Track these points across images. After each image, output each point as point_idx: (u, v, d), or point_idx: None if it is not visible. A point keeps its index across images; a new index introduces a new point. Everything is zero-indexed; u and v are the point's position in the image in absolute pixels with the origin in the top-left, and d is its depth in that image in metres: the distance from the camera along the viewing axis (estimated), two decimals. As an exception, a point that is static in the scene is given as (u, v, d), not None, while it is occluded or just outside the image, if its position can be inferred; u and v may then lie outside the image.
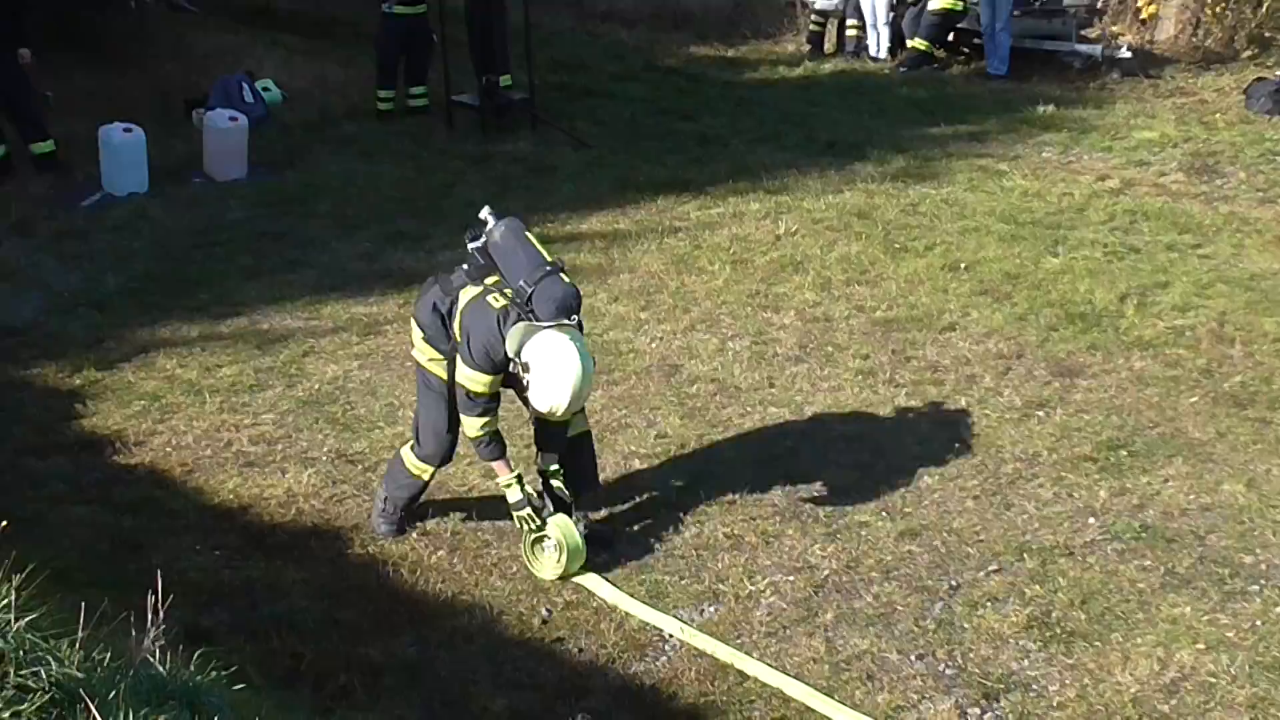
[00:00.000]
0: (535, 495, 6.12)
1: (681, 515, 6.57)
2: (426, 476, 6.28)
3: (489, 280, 5.85)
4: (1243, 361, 8.35)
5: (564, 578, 6.01)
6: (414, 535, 6.39)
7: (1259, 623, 5.75)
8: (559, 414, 5.72)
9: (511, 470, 6.06)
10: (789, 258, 10.08)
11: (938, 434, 7.45)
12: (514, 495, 6.04)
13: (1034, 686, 5.37)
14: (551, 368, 5.52)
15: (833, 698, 5.28)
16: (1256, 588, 6.01)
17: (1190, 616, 5.80)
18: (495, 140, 13.25)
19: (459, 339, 5.83)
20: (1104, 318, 9.02)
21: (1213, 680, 5.37)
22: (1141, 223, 11.04)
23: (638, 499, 6.75)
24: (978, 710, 5.23)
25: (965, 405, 7.79)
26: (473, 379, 5.78)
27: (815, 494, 6.75)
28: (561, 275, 5.74)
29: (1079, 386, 8.04)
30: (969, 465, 7.12)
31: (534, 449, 6.30)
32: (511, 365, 5.70)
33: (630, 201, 11.52)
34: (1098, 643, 5.61)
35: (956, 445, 7.29)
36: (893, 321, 8.95)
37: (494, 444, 5.99)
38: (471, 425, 5.93)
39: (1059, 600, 5.92)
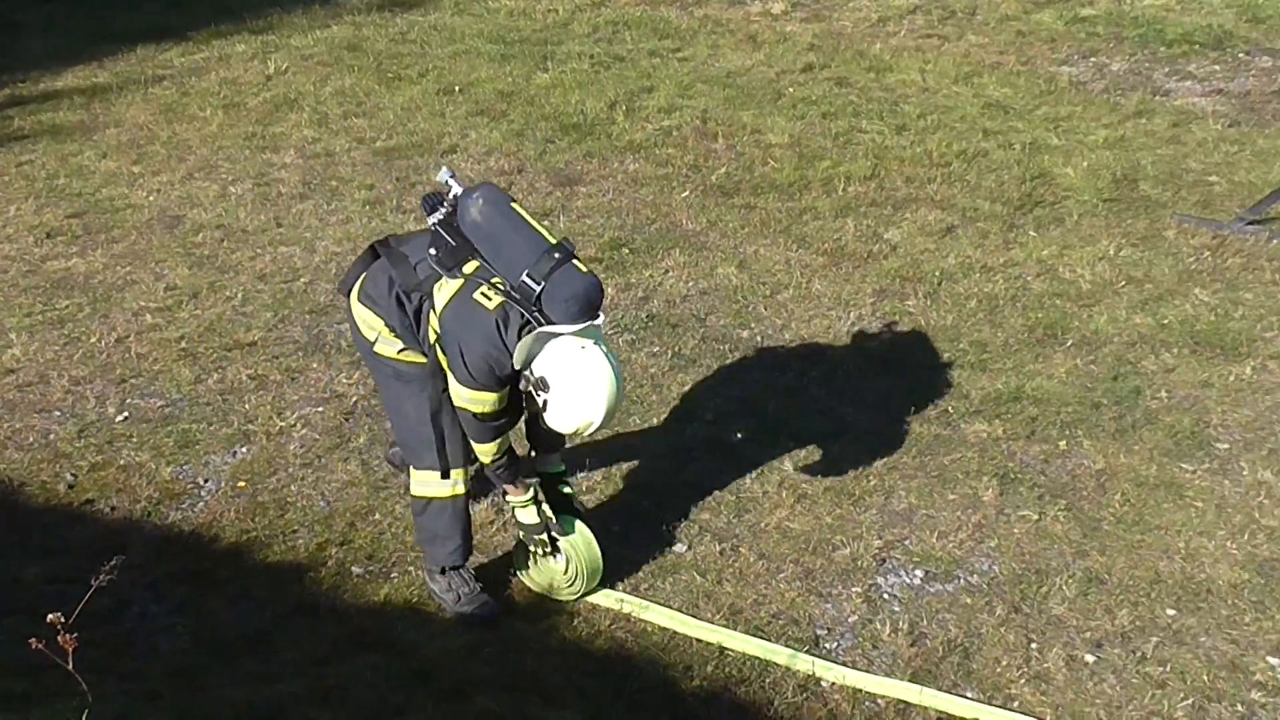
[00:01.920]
0: (551, 515, 4.88)
1: (201, 362, 6.43)
2: (461, 489, 4.78)
3: (467, 268, 4.45)
4: (726, 154, 8.88)
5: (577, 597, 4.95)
6: (-89, 422, 5.98)
7: (760, 385, 6.26)
8: (584, 435, 4.51)
9: (527, 488, 4.81)
10: (282, 97, 9.87)
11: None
12: (530, 518, 4.79)
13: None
14: (578, 386, 4.32)
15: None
16: (756, 356, 6.52)
17: (696, 391, 6.24)
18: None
19: (443, 351, 4.51)
20: (596, 126, 9.35)
21: (729, 445, 5.81)
22: (624, 32, 11.45)
23: (151, 354, 6.54)
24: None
25: (474, 223, 7.93)
26: (477, 400, 4.47)
27: (334, 327, 6.75)
28: (575, 262, 4.43)
29: (579, 193, 8.33)
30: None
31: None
32: (522, 382, 4.51)
33: (107, 53, 10.92)
34: (619, 429, 5.95)
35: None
36: (394, 150, 8.96)
37: (512, 464, 4.74)
38: (486, 451, 4.65)
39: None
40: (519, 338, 4.32)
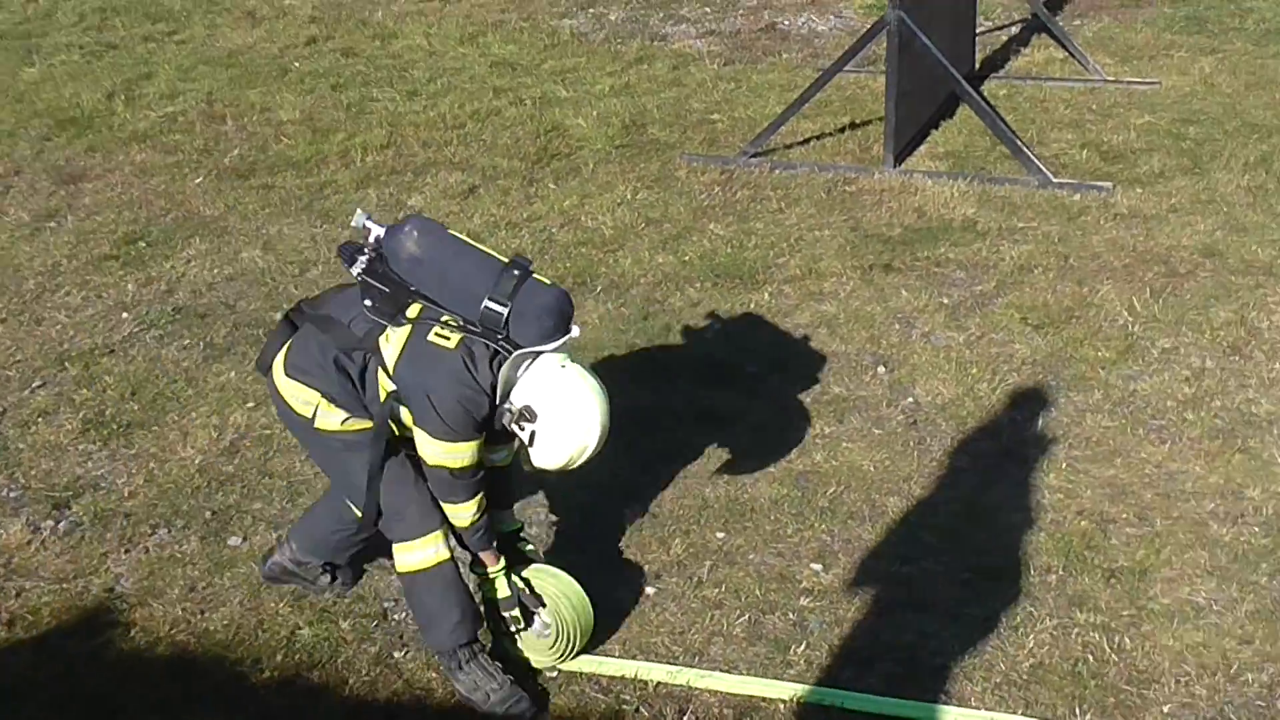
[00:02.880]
0: (524, 585, 4.35)
1: None
2: (445, 554, 4.21)
3: (411, 312, 4.04)
4: (236, 135, 8.62)
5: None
6: None
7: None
8: (576, 465, 4.10)
9: (499, 558, 4.31)
10: None
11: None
12: (504, 591, 4.30)
13: (103, 484, 5.34)
14: (568, 409, 3.97)
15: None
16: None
17: (236, 380, 6.03)
18: None
19: (406, 407, 4.05)
20: (96, 118, 8.88)
21: (268, 433, 5.65)
22: (114, 19, 10.91)
23: None
24: (51, 522, 5.13)
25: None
26: (455, 453, 4.02)
27: None
28: (536, 276, 4.05)
29: (86, 190, 7.90)
30: None
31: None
32: (500, 419, 4.04)
33: None
34: (155, 427, 5.68)
35: None
36: None
37: (488, 529, 4.26)
38: (463, 513, 4.16)
39: (110, 398, 5.90)
40: (492, 371, 3.96)
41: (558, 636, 4.30)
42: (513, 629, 4.31)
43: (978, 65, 9.79)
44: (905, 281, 6.76)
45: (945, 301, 6.55)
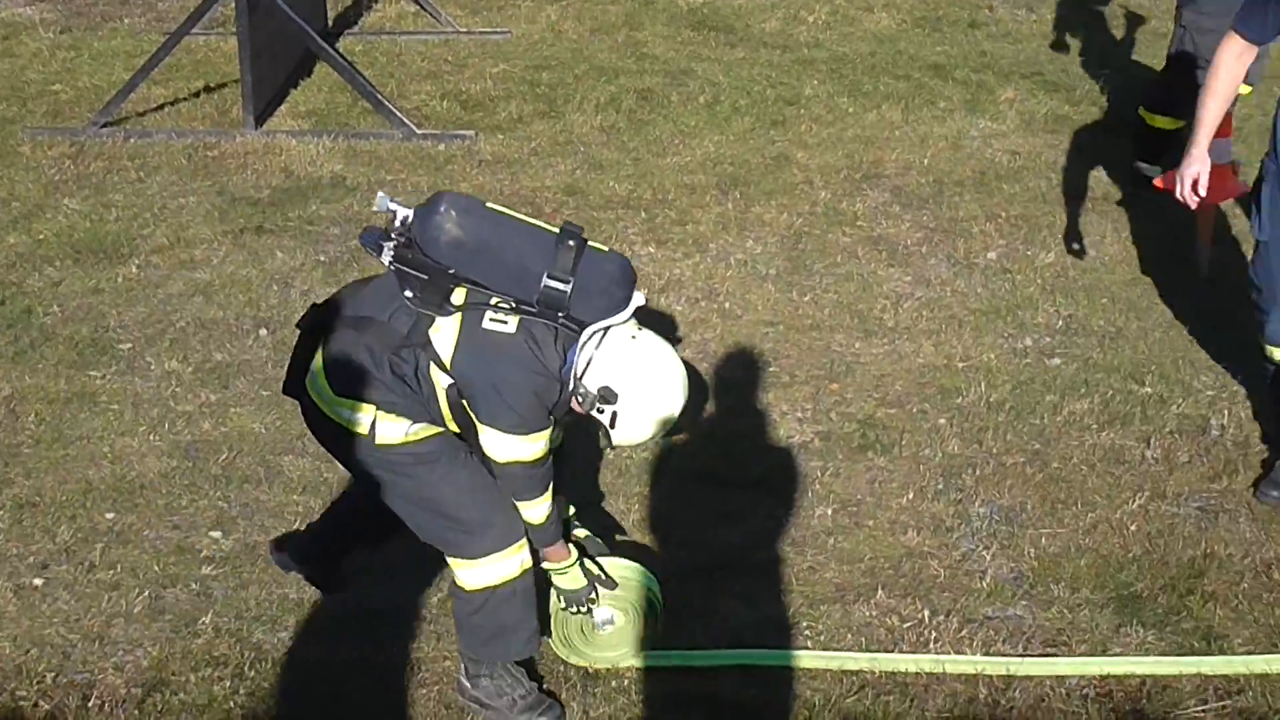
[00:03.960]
0: (599, 571, 4.01)
1: None
2: (529, 562, 3.85)
3: (456, 299, 3.60)
4: None
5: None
6: None
7: None
8: (660, 437, 3.86)
9: (570, 549, 3.93)
10: None
11: None
12: (579, 582, 3.95)
13: None
14: (651, 381, 3.68)
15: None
16: None
17: None
18: None
19: (468, 403, 3.64)
20: None
21: None
22: None
23: None
24: None
25: None
26: (527, 445, 3.65)
27: None
28: (591, 244, 3.67)
29: None
30: None
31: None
32: (572, 404, 3.69)
33: None
34: None
35: None
36: None
37: (559, 520, 3.90)
38: (538, 509, 3.78)
39: None
40: (560, 353, 3.62)
41: (627, 626, 4.06)
42: (590, 623, 4.04)
43: (330, 22, 9.76)
44: (279, 242, 6.66)
45: (322, 259, 6.51)
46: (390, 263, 3.62)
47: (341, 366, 3.69)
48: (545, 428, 3.68)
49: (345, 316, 3.74)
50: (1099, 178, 7.33)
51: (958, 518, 4.85)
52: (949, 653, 4.21)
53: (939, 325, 6.04)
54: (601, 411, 3.66)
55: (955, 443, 5.26)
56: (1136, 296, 6.27)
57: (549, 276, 3.58)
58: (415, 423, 3.71)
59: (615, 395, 3.63)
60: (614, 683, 4.11)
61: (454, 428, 3.74)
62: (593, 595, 3.98)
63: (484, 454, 3.70)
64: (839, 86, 8.57)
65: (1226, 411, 5.42)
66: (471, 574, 3.80)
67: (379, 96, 7.96)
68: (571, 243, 3.62)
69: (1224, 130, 5.51)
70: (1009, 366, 5.76)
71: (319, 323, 3.80)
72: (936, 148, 7.74)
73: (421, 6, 9.87)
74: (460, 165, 7.55)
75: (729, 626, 4.34)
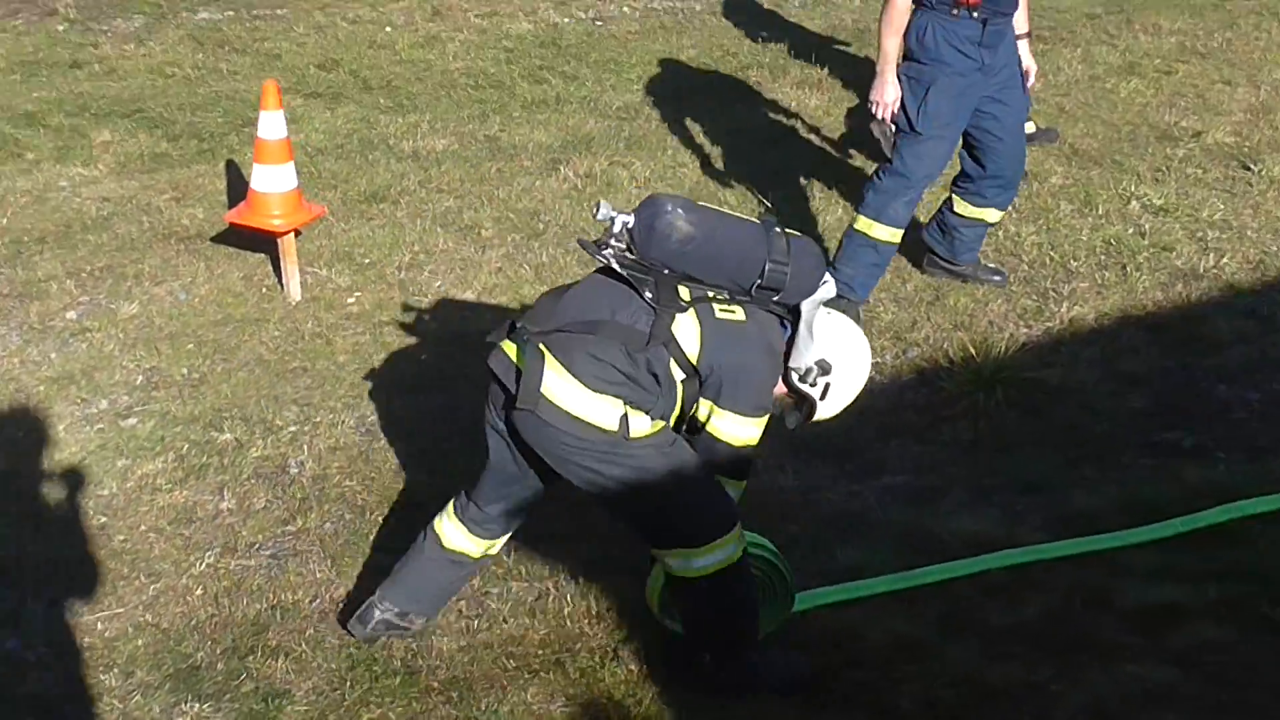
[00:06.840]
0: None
1: None
2: (741, 550, 3.94)
3: (683, 295, 3.77)
4: None
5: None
6: None
7: None
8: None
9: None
10: None
11: None
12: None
13: None
14: (856, 348, 3.93)
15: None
16: None
17: None
18: None
19: (708, 393, 3.82)
20: None
21: None
22: None
23: None
24: None
25: None
26: (759, 428, 3.92)
27: None
28: (779, 228, 3.87)
29: None
30: None
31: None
32: (798, 379, 3.89)
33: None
34: None
35: None
36: None
37: None
38: (740, 488, 4.06)
39: None
40: (783, 336, 3.90)
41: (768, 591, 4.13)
42: None
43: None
44: None
45: None
46: (623, 267, 3.78)
47: (597, 366, 3.74)
48: (771, 410, 3.94)
49: (574, 322, 3.80)
50: (194, 215, 7.04)
51: None
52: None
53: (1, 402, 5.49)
54: (814, 385, 3.87)
55: None
56: (224, 337, 6.00)
57: (770, 261, 3.78)
58: (655, 417, 3.81)
59: (830, 367, 3.85)
60: None
61: (672, 421, 3.88)
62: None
63: (705, 442, 3.87)
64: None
65: (306, 447, 5.27)
66: (702, 560, 3.86)
67: None
68: (778, 229, 3.87)
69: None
70: (79, 436, 5.32)
71: (527, 335, 3.80)
72: (18, 204, 7.12)
73: None
74: None
75: None
